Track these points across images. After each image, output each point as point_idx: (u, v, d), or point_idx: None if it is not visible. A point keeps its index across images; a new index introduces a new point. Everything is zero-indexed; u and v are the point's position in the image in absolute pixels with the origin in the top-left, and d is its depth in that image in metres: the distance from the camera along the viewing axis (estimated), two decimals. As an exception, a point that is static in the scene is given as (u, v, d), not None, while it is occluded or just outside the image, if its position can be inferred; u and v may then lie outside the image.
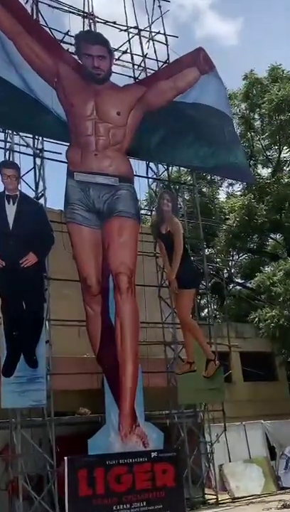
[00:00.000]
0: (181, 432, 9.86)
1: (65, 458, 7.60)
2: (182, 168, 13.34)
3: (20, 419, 8.20)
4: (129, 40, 11.40)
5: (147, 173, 11.25)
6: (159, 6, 11.86)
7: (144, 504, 7.72)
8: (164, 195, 10.48)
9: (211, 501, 9.95)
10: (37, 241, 8.42)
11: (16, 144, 9.21)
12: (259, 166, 19.88)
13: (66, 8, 10.62)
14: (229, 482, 10.67)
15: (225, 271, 19.77)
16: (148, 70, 11.27)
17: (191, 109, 10.00)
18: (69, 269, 8.72)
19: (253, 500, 9.94)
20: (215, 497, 10.01)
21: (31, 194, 9.13)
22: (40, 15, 9.93)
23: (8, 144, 9.17)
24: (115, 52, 10.15)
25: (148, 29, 11.62)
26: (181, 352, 10.24)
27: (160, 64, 11.43)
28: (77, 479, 7.47)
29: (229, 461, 11.06)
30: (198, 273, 11.51)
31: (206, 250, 16.72)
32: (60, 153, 9.27)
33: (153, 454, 8.14)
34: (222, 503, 9.83)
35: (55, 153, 9.43)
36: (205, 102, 10.18)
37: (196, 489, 9.90)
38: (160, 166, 11.38)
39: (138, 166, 10.23)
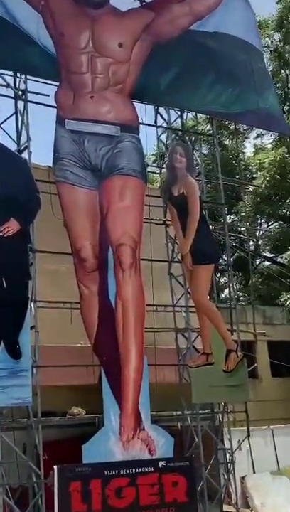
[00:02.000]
0: (195, 437, 9.99)
1: (55, 467, 7.70)
2: (199, 115, 13.21)
3: (0, 421, 8.32)
4: None
5: (156, 121, 11.20)
6: None
7: (150, 523, 7.81)
8: (177, 148, 10.40)
9: (230, 520, 10.10)
10: (19, 205, 8.42)
11: (-7, 83, 9.10)
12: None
13: None
14: (252, 498, 10.82)
15: (251, 243, 19.80)
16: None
17: (211, 41, 9.88)
18: (59, 240, 8.77)
19: (281, 520, 10.08)
20: (235, 515, 10.12)
21: (12, 147, 9.12)
22: None
23: (-18, 84, 9.06)
24: None
25: None
26: (196, 341, 10.32)
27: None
28: (69, 493, 7.57)
29: (254, 473, 11.27)
30: (218, 245, 11.48)
31: (228, 217, 16.68)
32: (48, 96, 9.23)
33: (161, 463, 8.25)
34: (244, 523, 9.98)
35: (42, 95, 9.41)
36: (228, 31, 10.06)
37: (213, 506, 10.04)
38: (172, 111, 11.28)
39: (144, 111, 10.16)
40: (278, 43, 18.52)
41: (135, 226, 8.91)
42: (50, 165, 9.06)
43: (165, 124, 11.35)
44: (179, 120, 11.54)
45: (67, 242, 8.74)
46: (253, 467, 11.26)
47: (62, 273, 9.22)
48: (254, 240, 20.61)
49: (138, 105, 9.48)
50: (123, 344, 8.62)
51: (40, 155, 9.53)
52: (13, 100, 9.35)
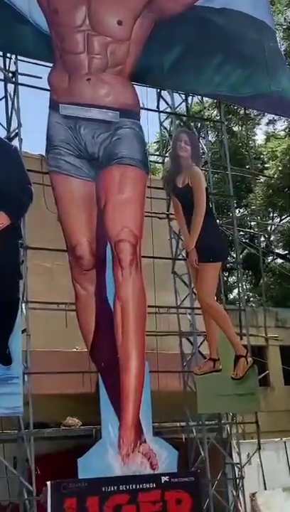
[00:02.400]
0: (201, 450, 9.91)
1: (48, 483, 7.63)
2: (206, 99, 13.15)
3: (-11, 432, 8.34)
4: None
5: (158, 106, 11.11)
6: None
7: None
8: (181, 135, 10.33)
9: None
10: (9, 197, 8.33)
11: (-19, 64, 9.13)
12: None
13: None
14: (263, 516, 10.75)
15: (262, 239, 19.70)
16: None
17: (218, 17, 9.86)
18: (53, 236, 8.71)
19: None
20: (244, 535, 10.17)
21: (2, 133, 9.05)
22: None
23: None
24: None
25: None
26: (202, 346, 10.26)
27: None
28: (64, 510, 7.50)
29: (265, 489, 11.15)
30: (226, 241, 11.41)
31: (237, 211, 16.61)
32: (40, 78, 9.14)
33: (164, 479, 8.16)
34: None
35: (34, 77, 9.32)
36: (237, 7, 10.04)
37: (220, 525, 10.04)
38: (176, 95, 11.18)
39: (146, 95, 10.07)
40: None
41: (135, 220, 8.82)
42: (43, 153, 8.99)
43: (168, 109, 11.35)
44: (184, 104, 11.51)
45: (61, 237, 8.65)
46: (264, 483, 11.21)
47: (56, 272, 9.20)
48: (266, 235, 20.56)
49: (139, 88, 9.41)
50: (122, 349, 8.54)
51: (32, 143, 9.49)
52: (2, 83, 9.27)
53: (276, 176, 17.41)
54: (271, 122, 20.04)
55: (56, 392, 9.20)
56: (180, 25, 9.46)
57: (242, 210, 19.07)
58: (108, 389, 8.44)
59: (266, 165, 18.31)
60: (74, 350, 9.19)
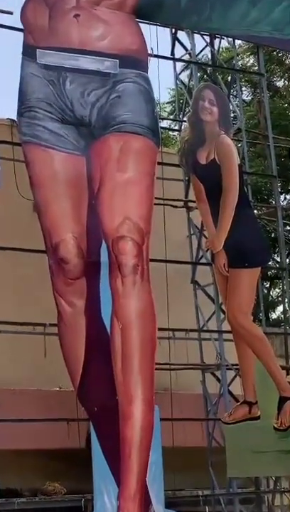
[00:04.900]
0: (232, 529, 10.03)
1: None
2: (239, 43, 13.14)
3: None
4: None
5: (172, 52, 11.22)
6: None
7: None
8: (205, 92, 10.27)
9: None
10: None
11: None
12: None
13: None
14: None
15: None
16: None
17: None
18: (26, 231, 8.88)
19: None
20: None
21: None
22: None
23: None
24: None
25: None
26: (234, 383, 10.35)
27: None
28: None
29: None
30: (267, 239, 11.39)
31: (283, 197, 16.51)
32: (11, 14, 9.25)
33: None
34: None
35: (3, 13, 9.45)
36: None
37: None
38: (197, 37, 11.26)
39: (156, 38, 10.20)
40: None
41: (141, 210, 8.69)
42: (14, 118, 9.10)
43: (187, 57, 11.26)
44: (208, 50, 11.50)
45: (38, 234, 8.57)
46: None
47: (30, 281, 9.16)
48: None
49: (146, 28, 9.39)
50: (123, 388, 8.38)
51: (-1, 103, 9.40)
52: None
53: None
54: None
55: (31, 448, 9.27)
56: None
57: (289, 197, 19.08)
58: (103, 443, 8.34)
59: None
60: (57, 389, 9.18)
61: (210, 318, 10.25)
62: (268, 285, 15.96)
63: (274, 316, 17.42)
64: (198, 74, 11.23)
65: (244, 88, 14.40)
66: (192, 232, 10.59)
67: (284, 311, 13.51)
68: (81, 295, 8.60)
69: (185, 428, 9.47)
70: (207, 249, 10.27)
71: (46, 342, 8.98)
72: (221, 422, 9.88)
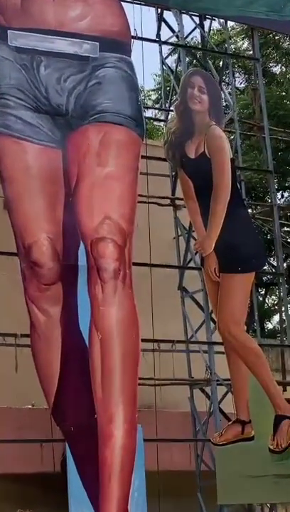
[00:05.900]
0: None
1: None
2: (231, 24, 13.23)
3: None
4: None
5: (158, 35, 11.31)
6: None
7: None
8: (194, 79, 10.41)
9: None
10: None
11: None
12: None
13: None
14: None
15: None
16: None
17: None
18: None
19: None
20: None
21: None
22: None
23: None
24: None
25: None
26: (225, 401, 10.50)
27: None
28: None
29: None
30: (262, 242, 11.48)
31: (280, 194, 16.64)
32: None
33: None
34: None
35: None
36: None
37: None
38: (185, 18, 11.51)
39: (140, 18, 10.18)
40: None
41: (123, 208, 8.79)
42: None
43: (174, 40, 11.39)
44: (197, 32, 11.63)
45: (9, 234, 8.66)
46: None
47: (5, 285, 9.20)
48: None
49: (129, 8, 9.61)
50: (102, 405, 8.41)
51: None
52: None
53: None
54: None
55: (0, 473, 9.25)
56: None
57: (286, 194, 19.18)
58: (80, 467, 8.40)
59: None
60: (29, 407, 9.22)
61: (199, 329, 10.28)
62: (263, 292, 16.06)
63: (269, 326, 17.57)
64: (187, 58, 11.27)
65: (237, 74, 14.51)
66: (179, 233, 10.61)
67: (281, 321, 13.54)
68: (56, 302, 8.69)
69: (171, 450, 9.52)
70: (197, 252, 10.33)
71: (17, 354, 9.04)
72: (211, 443, 9.94)
